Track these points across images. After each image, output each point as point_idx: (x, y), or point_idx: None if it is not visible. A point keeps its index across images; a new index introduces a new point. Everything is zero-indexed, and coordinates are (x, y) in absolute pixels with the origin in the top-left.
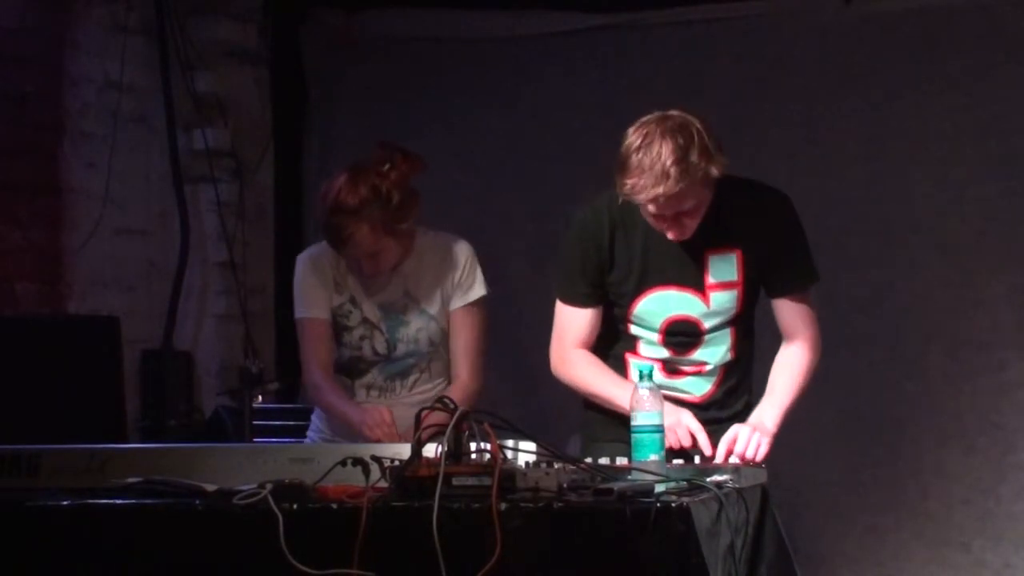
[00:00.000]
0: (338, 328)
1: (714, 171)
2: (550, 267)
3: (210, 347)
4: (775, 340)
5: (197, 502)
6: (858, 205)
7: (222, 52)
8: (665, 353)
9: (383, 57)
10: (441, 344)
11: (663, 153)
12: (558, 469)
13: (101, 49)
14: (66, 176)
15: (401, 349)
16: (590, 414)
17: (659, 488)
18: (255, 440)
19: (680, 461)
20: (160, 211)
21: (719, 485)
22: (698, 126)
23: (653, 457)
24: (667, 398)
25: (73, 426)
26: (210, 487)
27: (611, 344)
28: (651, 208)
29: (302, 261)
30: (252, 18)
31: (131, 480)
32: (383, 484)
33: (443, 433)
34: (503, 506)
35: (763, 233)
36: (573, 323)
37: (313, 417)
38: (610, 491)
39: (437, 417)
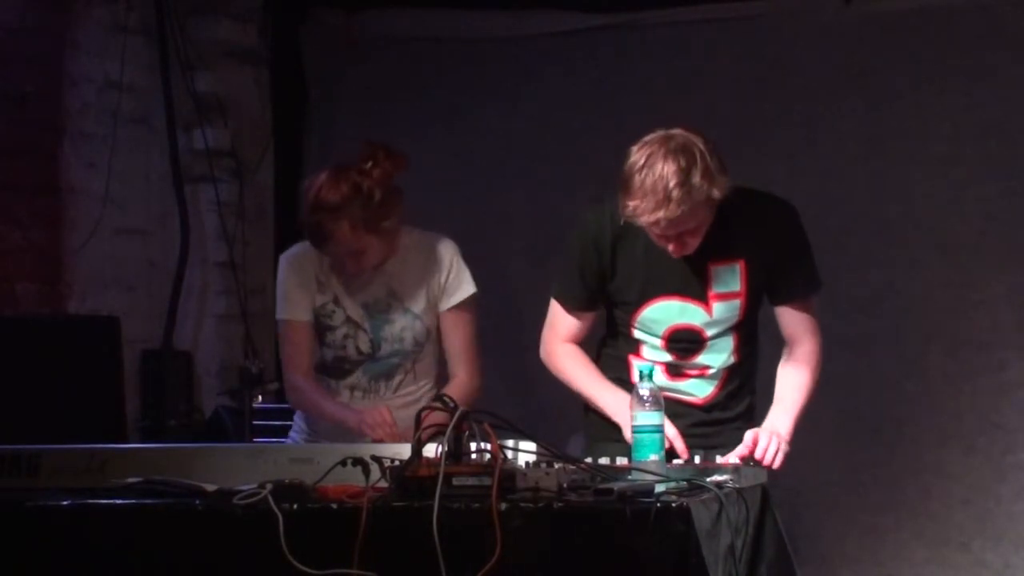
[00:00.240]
0: (321, 328)
1: (716, 193)
2: (550, 266)
3: (210, 347)
4: (776, 342)
5: (197, 502)
6: (858, 205)
7: (222, 52)
8: (668, 357)
9: (383, 57)
10: (426, 344)
11: (665, 175)
12: (558, 469)
13: (101, 49)
14: (66, 176)
15: (386, 348)
16: (592, 416)
17: (659, 488)
18: (255, 440)
19: (680, 461)
20: (160, 211)
21: (719, 485)
22: (701, 147)
23: (653, 457)
24: (670, 400)
25: (73, 426)
26: (210, 487)
27: (615, 345)
28: (653, 229)
29: (285, 261)
30: (252, 18)
31: (131, 480)
32: (383, 484)
33: (443, 433)
34: (503, 506)
35: (767, 242)
36: (564, 320)
37: (296, 417)
38: (610, 491)
39: (437, 417)
